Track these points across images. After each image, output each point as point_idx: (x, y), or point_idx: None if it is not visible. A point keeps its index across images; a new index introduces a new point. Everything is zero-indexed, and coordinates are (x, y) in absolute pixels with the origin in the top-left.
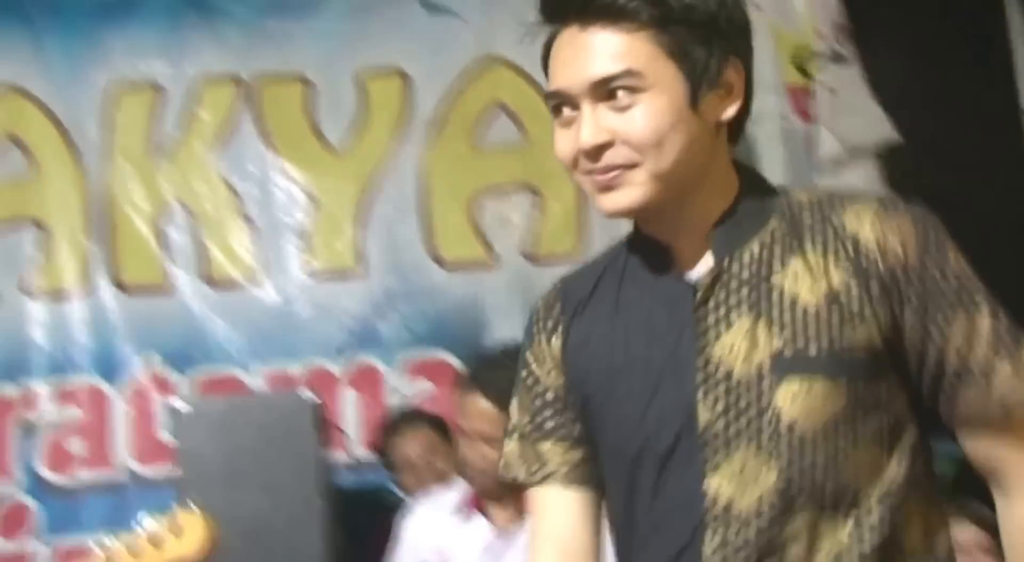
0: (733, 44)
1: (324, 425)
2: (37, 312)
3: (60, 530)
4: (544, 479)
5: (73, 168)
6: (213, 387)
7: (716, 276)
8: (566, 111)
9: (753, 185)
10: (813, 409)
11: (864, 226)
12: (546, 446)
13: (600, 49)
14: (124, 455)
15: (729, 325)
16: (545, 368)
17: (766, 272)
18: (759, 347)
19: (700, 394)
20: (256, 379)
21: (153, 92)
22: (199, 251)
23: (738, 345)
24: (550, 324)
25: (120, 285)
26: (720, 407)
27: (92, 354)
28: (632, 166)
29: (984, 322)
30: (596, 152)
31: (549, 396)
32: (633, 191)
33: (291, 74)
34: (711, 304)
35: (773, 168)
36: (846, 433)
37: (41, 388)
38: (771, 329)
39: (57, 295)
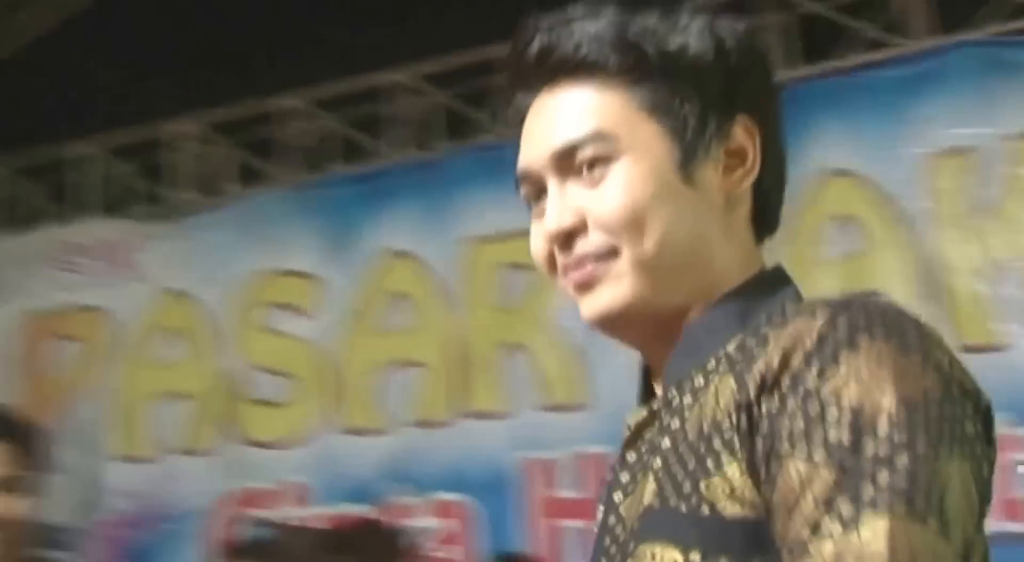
0: (741, 97)
1: None
2: None
3: None
4: None
5: (902, 237)
6: None
7: (652, 411)
8: (542, 199)
9: (762, 286)
10: None
11: (776, 337)
12: None
13: (565, 111)
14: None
15: (646, 473)
16: None
17: (690, 403)
18: (641, 501)
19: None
20: None
21: (969, 156)
22: None
23: (633, 507)
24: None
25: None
26: None
27: None
28: (611, 254)
29: (823, 473)
30: (567, 241)
31: None
32: (616, 288)
33: None
34: (644, 446)
35: None
36: None
37: None
38: (656, 478)
39: None
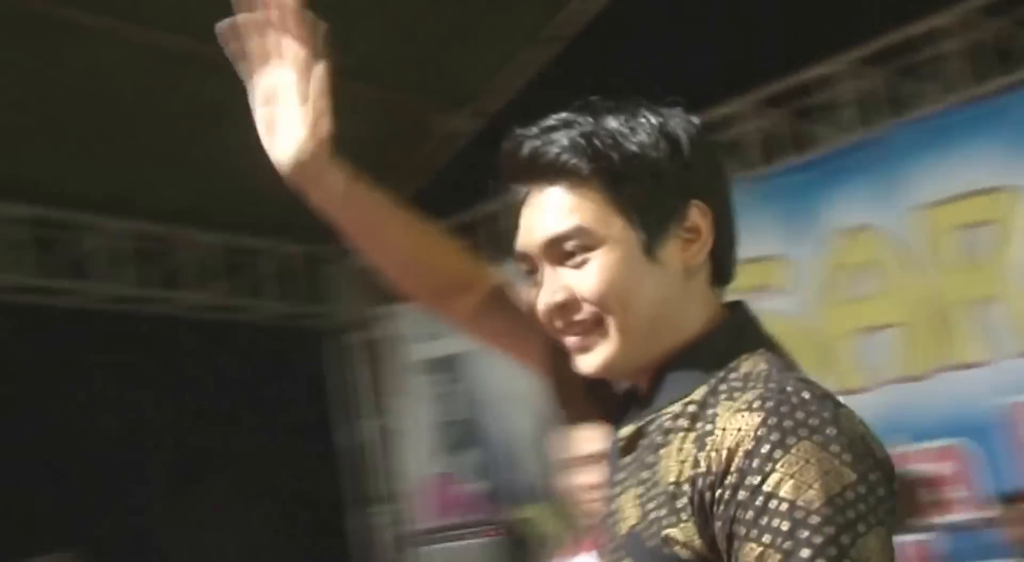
0: (694, 187)
1: None
2: None
3: None
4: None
5: None
6: None
7: (636, 432)
8: (537, 272)
9: (721, 338)
10: None
11: (722, 419)
12: None
13: (551, 208)
14: None
15: (631, 486)
16: None
17: (661, 441)
18: (628, 518)
19: (608, 552)
20: None
21: None
22: None
23: (625, 510)
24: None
25: None
26: None
27: None
28: (599, 322)
29: (771, 554)
30: (563, 312)
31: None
32: (605, 348)
33: None
34: (630, 458)
35: None
36: None
37: None
38: (637, 502)
39: None
